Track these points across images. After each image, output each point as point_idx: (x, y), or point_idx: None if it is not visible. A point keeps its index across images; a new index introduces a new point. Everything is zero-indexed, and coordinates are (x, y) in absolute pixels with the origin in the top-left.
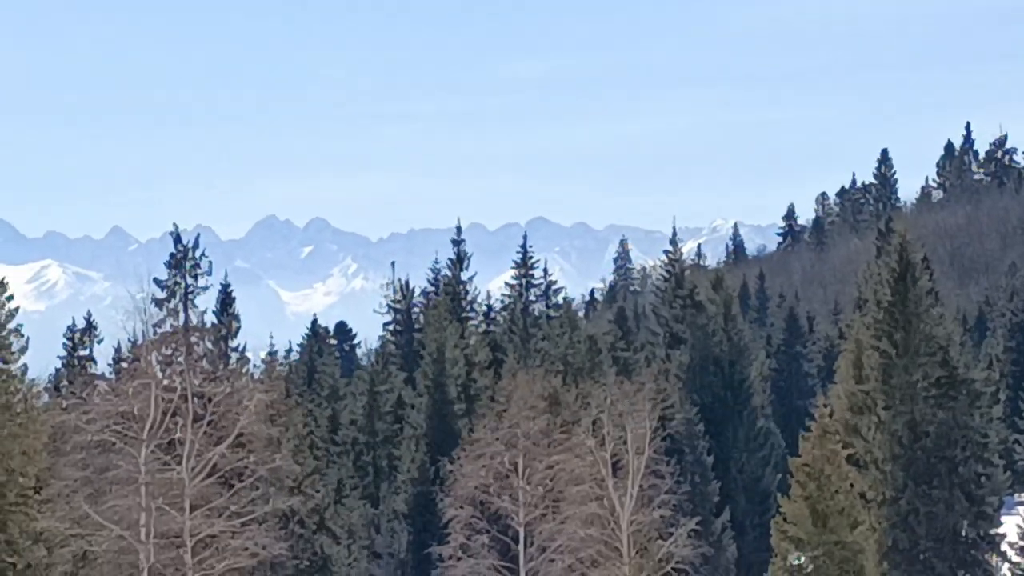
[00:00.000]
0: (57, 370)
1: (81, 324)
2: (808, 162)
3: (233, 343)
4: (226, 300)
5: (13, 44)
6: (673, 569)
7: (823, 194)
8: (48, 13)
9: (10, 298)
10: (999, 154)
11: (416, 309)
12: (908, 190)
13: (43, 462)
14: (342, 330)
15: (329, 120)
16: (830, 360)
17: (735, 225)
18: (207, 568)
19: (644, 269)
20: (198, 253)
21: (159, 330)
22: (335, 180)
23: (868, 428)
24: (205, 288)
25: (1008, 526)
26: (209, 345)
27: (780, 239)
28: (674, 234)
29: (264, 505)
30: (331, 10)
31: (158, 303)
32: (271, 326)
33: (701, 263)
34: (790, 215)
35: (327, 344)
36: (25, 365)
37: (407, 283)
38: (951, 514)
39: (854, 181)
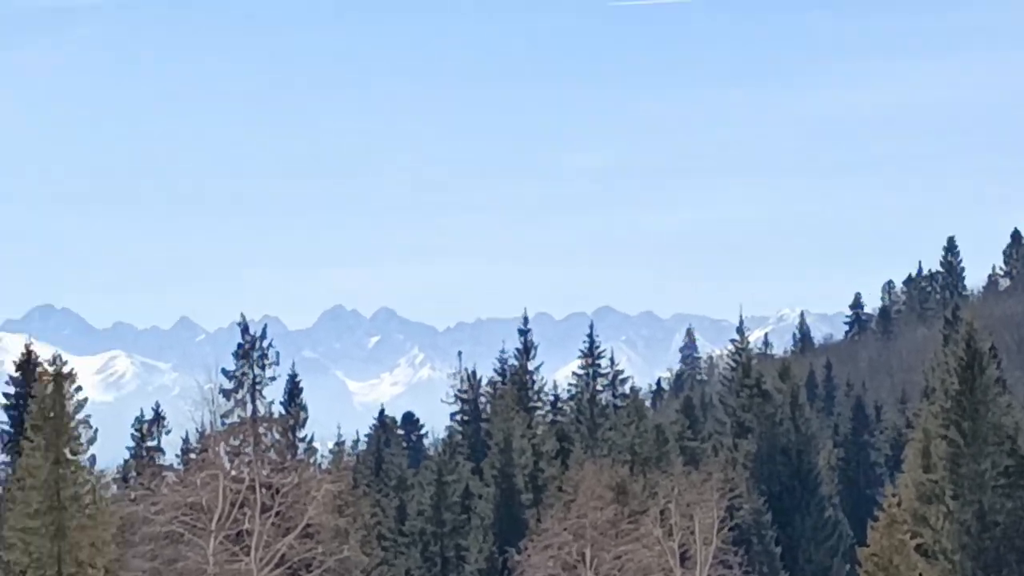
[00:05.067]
0: (125, 461)
1: (149, 415)
2: (874, 251)
3: (301, 433)
4: (294, 390)
5: (78, 135)
6: None
7: (889, 283)
8: (113, 103)
9: (79, 389)
10: None
11: (483, 399)
12: (975, 278)
13: (112, 553)
14: (409, 420)
15: (395, 210)
16: (898, 449)
17: (801, 314)
18: None
19: (711, 358)
20: (265, 343)
21: (227, 421)
22: (401, 269)
23: (936, 518)
24: (273, 378)
25: None
26: (277, 436)
27: (847, 328)
28: (741, 323)
29: None
30: (395, 100)
31: (226, 394)
32: (338, 416)
33: (768, 352)
34: (857, 304)
35: (394, 434)
36: (94, 456)
37: (474, 373)
38: None
39: (920, 269)
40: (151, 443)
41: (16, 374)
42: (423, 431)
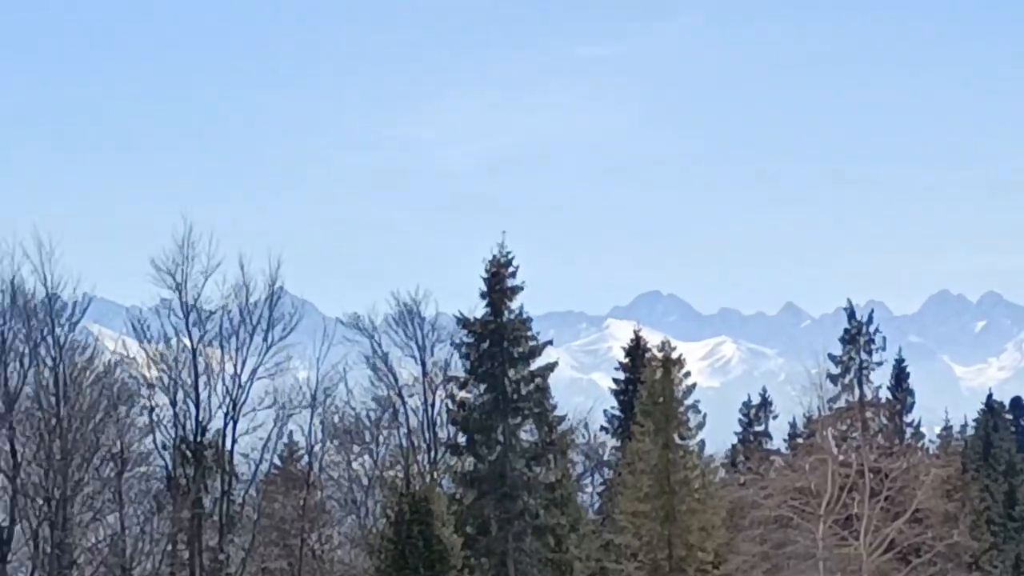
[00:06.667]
0: (733, 446)
1: (756, 400)
2: None
3: (908, 418)
4: (900, 375)
5: (662, 120)
6: None
7: None
8: (696, 91)
9: (687, 375)
10: None
11: None
12: None
13: (721, 537)
14: (1018, 405)
15: (1000, 193)
16: None
17: None
18: None
19: None
20: (871, 328)
21: (834, 406)
22: (1009, 252)
23: None
24: (879, 363)
25: None
26: (884, 420)
27: None
28: None
29: None
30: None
31: (832, 379)
32: (944, 401)
33: None
34: None
35: (1003, 419)
36: (702, 441)
37: None
38: None
39: None
40: (758, 428)
41: (625, 360)
42: None
